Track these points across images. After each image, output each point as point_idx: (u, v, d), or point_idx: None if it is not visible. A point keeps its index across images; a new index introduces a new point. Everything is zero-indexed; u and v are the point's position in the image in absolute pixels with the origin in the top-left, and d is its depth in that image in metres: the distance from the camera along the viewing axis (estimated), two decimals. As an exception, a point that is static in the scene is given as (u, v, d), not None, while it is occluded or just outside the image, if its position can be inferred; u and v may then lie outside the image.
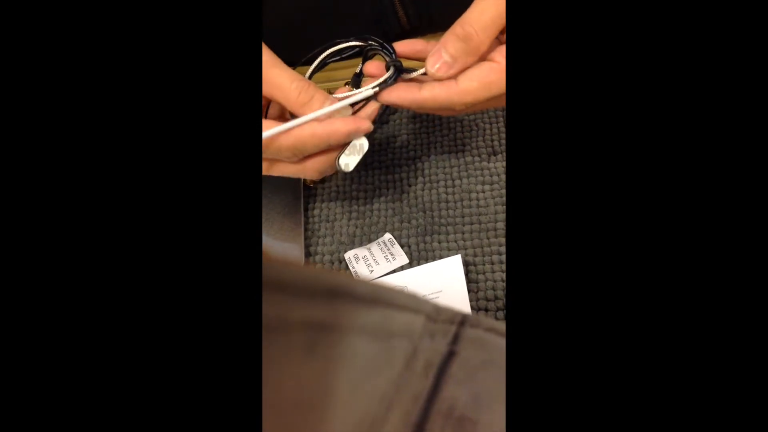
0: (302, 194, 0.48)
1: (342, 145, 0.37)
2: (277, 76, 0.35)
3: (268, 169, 0.38)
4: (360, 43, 0.43)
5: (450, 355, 0.18)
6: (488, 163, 0.47)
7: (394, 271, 0.42)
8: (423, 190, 0.47)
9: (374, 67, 0.40)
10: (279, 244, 0.45)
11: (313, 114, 0.34)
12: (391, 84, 0.37)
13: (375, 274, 0.42)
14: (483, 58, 0.35)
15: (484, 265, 0.42)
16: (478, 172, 0.47)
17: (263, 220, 0.46)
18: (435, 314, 0.19)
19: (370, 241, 0.45)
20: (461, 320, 0.19)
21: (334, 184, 0.49)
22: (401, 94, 0.36)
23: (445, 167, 0.47)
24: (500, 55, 0.34)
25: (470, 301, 0.39)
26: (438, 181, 0.47)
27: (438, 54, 0.35)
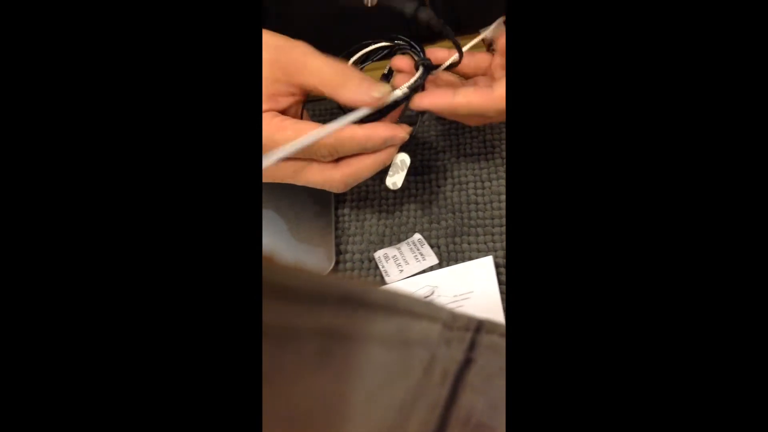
0: (333, 193, 0.48)
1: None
2: (313, 63, 0.35)
3: (296, 174, 0.38)
4: (388, 44, 0.43)
5: (467, 363, 0.18)
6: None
7: (423, 271, 0.43)
8: (452, 191, 0.47)
9: (402, 61, 0.40)
10: (310, 243, 0.46)
11: (352, 116, 0.34)
12: (421, 83, 0.38)
13: (405, 274, 0.43)
14: None
15: (514, 266, 0.42)
16: (508, 175, 0.47)
17: (295, 219, 0.47)
18: (451, 321, 0.18)
19: (399, 240, 0.45)
20: (477, 327, 0.18)
21: (364, 183, 0.49)
22: (435, 100, 0.36)
23: (474, 169, 0.48)
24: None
25: (502, 302, 0.40)
26: (467, 183, 0.47)
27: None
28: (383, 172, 0.39)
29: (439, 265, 0.43)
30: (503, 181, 0.47)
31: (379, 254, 0.44)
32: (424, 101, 0.36)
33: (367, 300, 0.16)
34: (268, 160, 0.32)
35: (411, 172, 0.49)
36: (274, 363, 0.13)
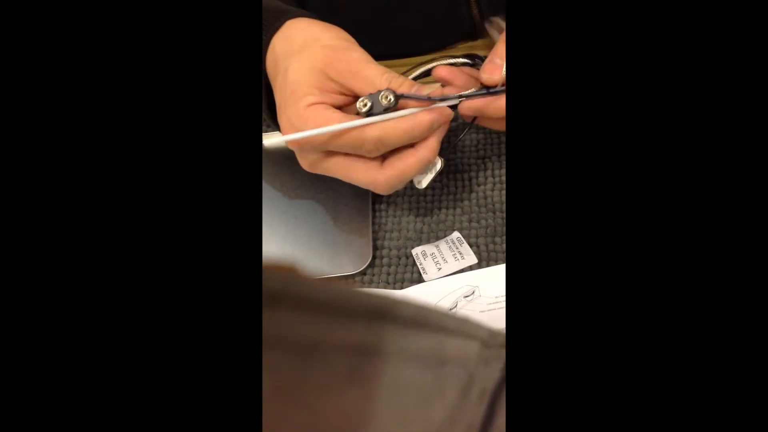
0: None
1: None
2: (366, 71, 0.35)
3: (342, 168, 0.37)
4: (468, 61, 0.43)
5: (503, 381, 0.17)
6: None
7: (462, 270, 0.42)
8: (492, 190, 0.46)
9: (446, 71, 0.40)
10: (348, 236, 0.45)
11: (400, 113, 0.34)
12: (477, 95, 0.37)
13: (443, 272, 0.42)
14: None
15: (555, 269, 0.41)
16: (550, 175, 0.46)
17: (334, 212, 0.47)
18: (490, 340, 0.18)
19: (437, 238, 0.45)
20: None
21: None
22: (487, 103, 0.36)
23: (516, 168, 0.47)
24: None
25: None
26: (506, 182, 0.46)
27: (490, 60, 0.36)
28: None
29: (479, 265, 0.42)
30: (545, 182, 0.46)
31: (416, 251, 0.44)
32: (475, 104, 0.36)
33: (397, 315, 0.16)
34: (270, 140, 0.32)
35: (451, 170, 0.48)
36: (300, 377, 0.13)
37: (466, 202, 0.46)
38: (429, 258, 0.43)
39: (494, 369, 0.17)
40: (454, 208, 0.46)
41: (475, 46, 0.59)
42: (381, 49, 0.60)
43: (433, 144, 0.36)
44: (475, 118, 0.38)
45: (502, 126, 0.40)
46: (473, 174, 0.48)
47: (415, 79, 0.44)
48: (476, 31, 0.58)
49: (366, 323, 0.15)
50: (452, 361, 0.17)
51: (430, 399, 0.16)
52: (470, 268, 0.42)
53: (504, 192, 0.46)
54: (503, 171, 0.47)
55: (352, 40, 0.38)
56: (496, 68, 0.36)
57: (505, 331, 0.18)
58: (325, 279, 0.14)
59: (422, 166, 0.36)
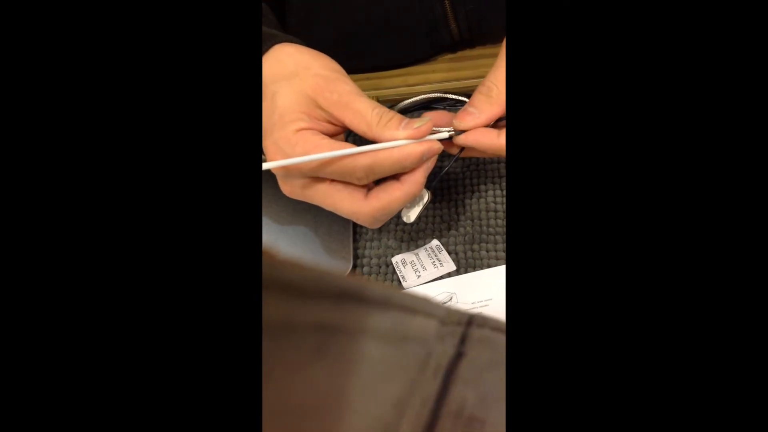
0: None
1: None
2: (359, 104, 0.35)
3: (326, 196, 0.37)
4: (464, 99, 0.46)
5: (458, 356, 0.18)
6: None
7: (441, 277, 0.43)
8: (471, 198, 0.47)
9: (432, 116, 0.40)
10: (329, 245, 0.46)
11: (389, 144, 0.34)
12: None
13: (422, 279, 0.42)
14: None
15: (532, 275, 0.42)
16: (527, 184, 0.47)
17: (314, 220, 0.47)
18: (446, 317, 0.19)
19: (417, 246, 0.45)
20: (468, 320, 0.19)
21: (382, 189, 0.49)
22: (479, 138, 0.36)
23: (494, 177, 0.48)
24: None
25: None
26: (486, 190, 0.47)
27: (464, 109, 0.37)
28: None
29: (457, 272, 0.43)
30: (522, 190, 0.47)
31: (396, 259, 0.44)
32: (468, 138, 0.36)
33: (363, 295, 0.17)
34: (266, 165, 0.33)
35: (430, 179, 0.49)
36: (271, 357, 0.14)
37: (446, 211, 0.47)
38: (408, 266, 0.43)
39: (448, 345, 0.18)
40: (434, 217, 0.47)
41: (456, 58, 0.60)
42: (362, 63, 0.61)
43: (419, 178, 0.36)
44: (461, 150, 0.38)
45: (490, 155, 0.40)
46: (452, 183, 0.48)
47: (405, 109, 0.44)
48: (457, 45, 0.59)
49: (334, 303, 0.15)
50: (412, 338, 0.17)
51: (391, 374, 0.16)
52: (449, 275, 0.43)
53: (482, 200, 0.47)
54: (481, 179, 0.48)
55: (342, 71, 0.39)
56: (467, 116, 0.36)
57: (460, 308, 0.19)
58: (299, 261, 0.15)
59: (407, 200, 0.36)
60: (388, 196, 0.36)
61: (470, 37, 0.57)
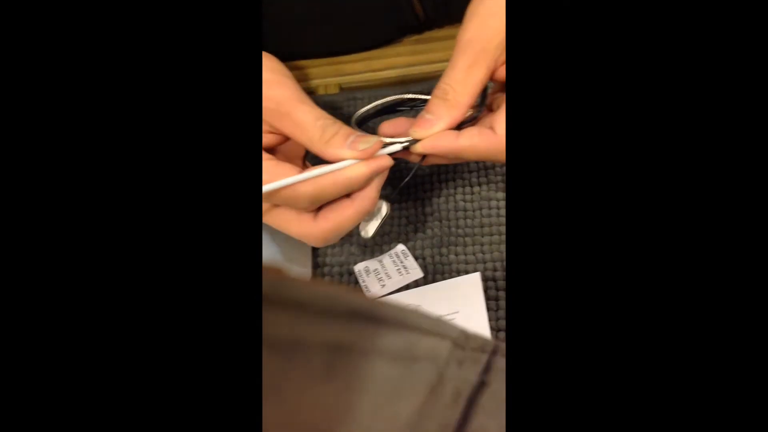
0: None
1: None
2: (297, 113, 0.31)
3: (276, 220, 0.34)
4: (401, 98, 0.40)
5: (481, 386, 0.18)
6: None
7: (407, 286, 0.40)
8: (439, 197, 0.44)
9: (391, 126, 0.36)
10: (283, 253, 0.42)
11: (335, 165, 0.30)
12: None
13: (387, 289, 0.39)
14: (469, 108, 0.33)
15: (504, 281, 0.39)
16: (499, 178, 0.44)
17: (271, 228, 0.44)
18: (464, 341, 0.18)
19: (382, 251, 0.42)
20: (493, 350, 0.18)
21: (344, 188, 0.46)
22: (437, 143, 0.32)
23: (463, 173, 0.44)
24: None
25: (489, 320, 0.37)
26: (456, 188, 0.44)
27: (421, 115, 0.33)
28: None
29: (425, 279, 0.40)
30: (493, 186, 0.43)
31: (359, 267, 0.41)
32: (426, 145, 0.32)
33: (376, 315, 0.17)
34: None
35: (396, 176, 0.45)
36: (281, 375, 0.14)
37: (412, 211, 0.44)
38: (372, 275, 0.40)
39: (470, 372, 0.18)
40: (399, 218, 0.44)
41: (422, 39, 0.56)
42: (322, 46, 0.56)
43: (371, 193, 0.32)
44: (423, 158, 0.34)
45: (452, 159, 0.36)
46: (419, 180, 0.45)
47: (368, 115, 0.39)
48: (422, 25, 0.55)
49: (346, 322, 0.16)
50: (423, 358, 0.17)
51: (399, 394, 0.16)
52: (415, 282, 0.40)
53: (450, 199, 0.43)
54: (449, 176, 0.44)
55: (286, 72, 0.34)
56: (424, 123, 0.32)
57: (482, 334, 0.19)
58: (312, 280, 0.16)
59: (360, 218, 0.33)
60: (338, 216, 0.32)
61: (436, 17, 0.53)
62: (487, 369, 0.18)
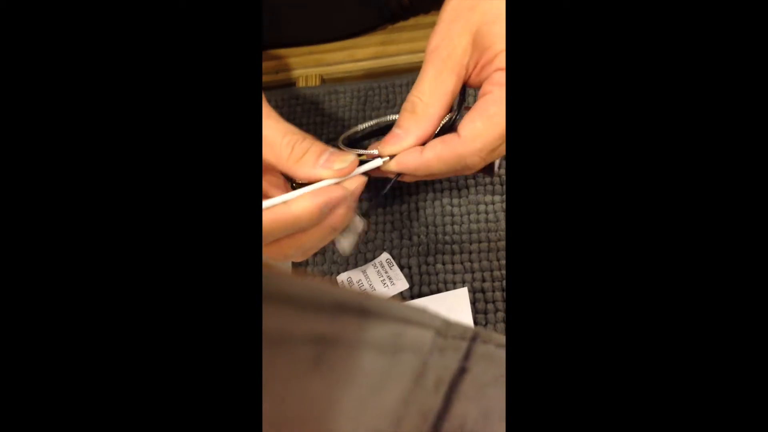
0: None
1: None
2: (266, 129, 0.28)
3: None
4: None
5: (461, 372, 0.18)
6: (498, 169, 0.42)
7: (393, 298, 0.38)
8: (425, 200, 0.42)
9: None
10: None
11: (275, 200, 0.27)
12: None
13: (371, 302, 0.38)
14: (442, 119, 0.30)
15: (493, 292, 0.37)
16: (487, 180, 0.42)
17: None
18: (445, 329, 0.18)
19: (366, 260, 0.40)
20: (473, 336, 0.19)
21: (326, 191, 0.44)
22: (402, 160, 0.29)
23: (450, 177, 0.42)
24: (490, 84, 0.28)
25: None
26: (442, 191, 0.42)
27: (391, 131, 0.30)
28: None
29: (410, 291, 0.38)
30: (481, 188, 0.41)
31: (342, 278, 0.39)
32: (391, 165, 0.30)
33: (362, 307, 0.17)
34: None
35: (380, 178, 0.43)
36: (269, 368, 0.14)
37: (397, 216, 0.42)
38: (355, 286, 0.39)
39: (451, 359, 0.18)
40: (384, 224, 0.42)
41: (407, 26, 0.53)
42: (302, 33, 0.53)
43: (339, 211, 0.29)
44: (398, 174, 0.31)
45: (421, 176, 0.33)
46: (404, 185, 0.43)
47: (363, 136, 0.36)
48: (407, 11, 0.52)
49: (332, 315, 0.16)
50: (408, 348, 0.17)
51: (385, 384, 0.17)
52: (401, 295, 0.38)
53: (437, 203, 0.41)
54: (436, 180, 0.42)
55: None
56: (392, 138, 0.29)
57: (463, 322, 0.19)
58: (297, 273, 0.15)
59: (329, 236, 0.30)
60: (295, 240, 0.29)
61: (421, 4, 0.50)
62: (468, 355, 0.18)
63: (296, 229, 0.28)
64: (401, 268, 0.39)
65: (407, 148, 0.29)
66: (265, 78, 0.52)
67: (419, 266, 0.39)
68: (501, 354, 0.19)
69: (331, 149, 0.28)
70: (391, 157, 0.30)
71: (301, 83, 0.52)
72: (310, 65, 0.53)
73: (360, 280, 0.39)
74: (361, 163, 0.30)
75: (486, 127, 0.27)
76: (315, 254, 0.41)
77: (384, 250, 0.40)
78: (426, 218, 0.41)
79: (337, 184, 0.28)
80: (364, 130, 0.34)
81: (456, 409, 0.17)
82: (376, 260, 0.40)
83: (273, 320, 0.14)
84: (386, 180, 0.31)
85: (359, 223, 0.32)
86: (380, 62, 0.52)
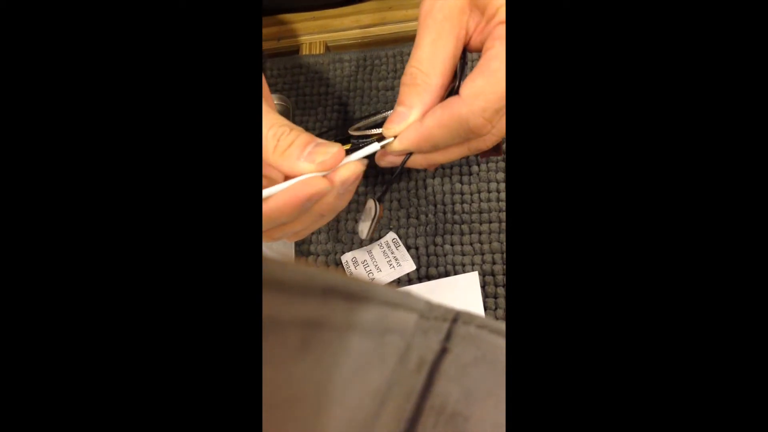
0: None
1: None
2: None
3: None
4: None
5: (443, 352, 0.18)
6: (505, 146, 0.40)
7: (399, 280, 0.37)
8: (434, 178, 0.40)
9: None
10: (267, 244, 0.39)
11: (284, 184, 0.25)
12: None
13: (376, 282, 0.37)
14: (446, 88, 0.28)
15: (504, 275, 0.36)
16: (499, 158, 0.40)
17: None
18: (428, 311, 0.19)
19: (372, 240, 0.39)
20: (454, 317, 0.19)
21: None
22: (404, 135, 0.27)
23: (460, 151, 0.40)
24: (491, 40, 0.26)
25: (487, 320, 0.34)
26: (451, 167, 0.40)
27: (393, 110, 0.28)
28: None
29: (417, 272, 0.37)
30: (492, 166, 0.40)
31: (346, 258, 0.38)
32: (394, 145, 0.28)
33: (349, 291, 0.17)
34: None
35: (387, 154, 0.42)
36: None
37: (404, 194, 0.40)
38: (360, 267, 0.37)
39: (433, 340, 0.18)
40: (391, 202, 0.40)
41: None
42: (287, 2, 0.50)
43: (327, 200, 0.27)
44: (408, 155, 0.29)
45: (426, 150, 0.30)
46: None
47: (377, 123, 0.34)
48: None
49: (321, 299, 0.16)
50: (392, 330, 0.18)
51: (370, 366, 0.17)
52: (408, 276, 0.37)
53: (446, 179, 0.40)
54: (445, 154, 0.41)
55: None
56: (396, 117, 0.28)
57: (444, 304, 0.19)
58: (286, 260, 0.14)
59: (315, 223, 0.28)
60: (281, 228, 0.27)
61: None
62: (449, 336, 0.18)
63: (276, 224, 0.26)
64: (408, 248, 0.38)
65: (411, 123, 0.27)
66: (267, 45, 0.50)
67: (426, 247, 0.38)
68: (482, 334, 0.19)
69: (317, 141, 0.26)
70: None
71: (305, 50, 0.49)
72: (315, 31, 0.50)
73: (365, 260, 0.37)
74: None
75: (488, 83, 0.25)
76: (318, 233, 0.40)
77: (390, 229, 0.39)
78: (434, 197, 0.39)
79: (324, 176, 0.26)
80: (376, 121, 0.32)
81: (437, 389, 0.17)
82: (382, 240, 0.38)
83: (262, 305, 0.15)
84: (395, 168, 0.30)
85: (372, 208, 0.30)
86: (387, 28, 0.49)
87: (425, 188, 0.40)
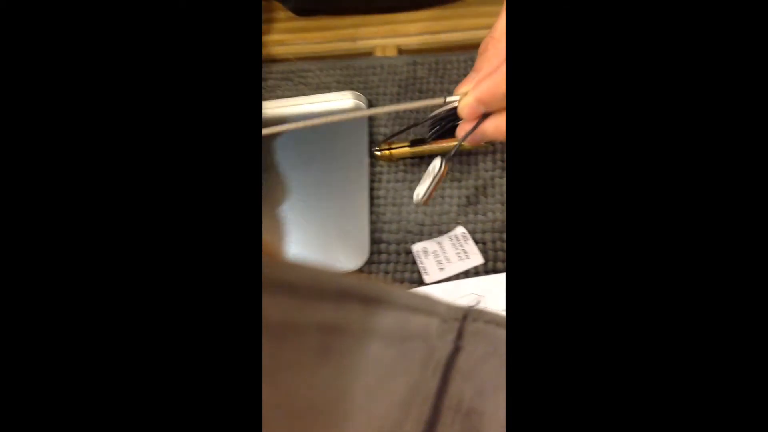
0: (368, 169, 0.44)
1: None
2: None
3: None
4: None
5: (455, 351, 0.18)
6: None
7: (467, 272, 0.39)
8: (502, 176, 0.42)
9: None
10: (344, 228, 0.42)
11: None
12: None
13: (445, 273, 0.39)
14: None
15: (568, 272, 0.38)
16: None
17: (328, 201, 0.43)
18: (447, 314, 0.19)
19: (440, 233, 0.41)
20: (464, 315, 0.19)
21: (402, 163, 0.44)
22: (476, 89, 0.32)
23: (528, 153, 0.42)
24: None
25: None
26: (519, 169, 0.42)
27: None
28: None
29: (484, 266, 0.39)
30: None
31: (417, 248, 0.40)
32: (468, 98, 0.32)
33: (365, 295, 0.17)
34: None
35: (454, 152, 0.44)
36: (274, 358, 0.14)
37: (472, 191, 0.42)
38: (431, 256, 0.40)
39: (447, 341, 0.18)
40: (459, 198, 0.42)
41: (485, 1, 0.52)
42: (361, 3, 0.53)
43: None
44: (482, 119, 0.33)
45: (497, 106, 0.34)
46: (480, 157, 0.43)
47: (442, 117, 0.37)
48: None
49: (336, 303, 0.16)
50: (415, 337, 0.18)
51: (394, 374, 0.17)
52: (475, 269, 0.39)
53: (514, 181, 0.42)
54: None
55: None
56: (467, 80, 0.33)
57: (457, 303, 0.19)
58: (300, 262, 0.15)
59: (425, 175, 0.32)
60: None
61: None
62: (460, 334, 0.18)
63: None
64: (476, 242, 0.40)
65: (482, 78, 0.31)
66: (341, 46, 0.53)
67: (494, 242, 0.40)
68: (490, 330, 0.19)
69: None
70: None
71: (379, 53, 0.52)
72: (385, 36, 0.53)
73: (436, 250, 0.40)
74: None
75: None
76: (389, 222, 0.42)
77: (458, 223, 0.41)
78: (501, 195, 0.42)
79: None
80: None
81: (453, 388, 0.17)
82: (452, 233, 0.40)
83: (275, 310, 0.14)
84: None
85: (437, 166, 0.33)
86: (458, 36, 0.51)
87: (493, 186, 0.42)
